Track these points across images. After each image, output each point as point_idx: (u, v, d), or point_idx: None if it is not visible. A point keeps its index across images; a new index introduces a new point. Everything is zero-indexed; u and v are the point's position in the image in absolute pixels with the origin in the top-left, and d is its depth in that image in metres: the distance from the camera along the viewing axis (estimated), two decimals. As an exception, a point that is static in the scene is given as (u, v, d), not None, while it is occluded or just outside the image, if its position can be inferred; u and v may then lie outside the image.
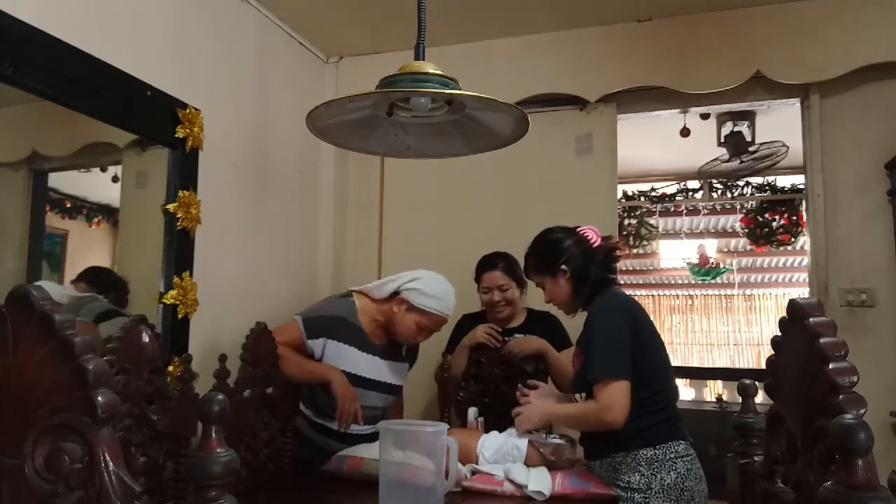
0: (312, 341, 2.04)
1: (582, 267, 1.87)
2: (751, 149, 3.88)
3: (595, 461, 1.78)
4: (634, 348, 1.72)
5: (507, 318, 2.43)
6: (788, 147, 3.78)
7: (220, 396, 0.86)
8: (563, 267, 1.88)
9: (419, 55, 1.42)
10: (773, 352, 1.12)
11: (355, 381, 2.03)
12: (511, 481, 1.71)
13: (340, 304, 2.12)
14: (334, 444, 2.04)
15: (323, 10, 2.67)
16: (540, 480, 1.69)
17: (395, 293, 2.05)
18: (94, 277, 1.97)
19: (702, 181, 4.73)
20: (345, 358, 2.03)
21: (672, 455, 1.70)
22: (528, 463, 1.81)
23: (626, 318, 1.75)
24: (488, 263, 2.43)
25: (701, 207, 5.26)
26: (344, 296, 2.17)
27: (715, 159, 4.12)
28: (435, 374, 2.38)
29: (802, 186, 3.38)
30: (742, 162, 3.97)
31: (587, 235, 1.91)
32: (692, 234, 6.10)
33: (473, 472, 1.79)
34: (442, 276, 2.12)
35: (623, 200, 4.96)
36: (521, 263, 2.12)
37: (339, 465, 1.84)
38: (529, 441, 1.86)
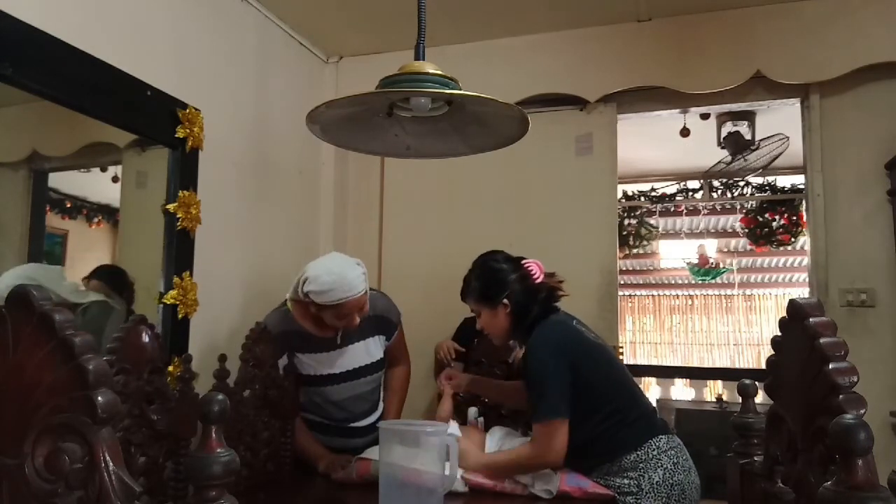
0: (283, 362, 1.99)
1: (523, 303, 1.84)
2: (752, 147, 3.88)
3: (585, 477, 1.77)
4: (576, 379, 1.71)
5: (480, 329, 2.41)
6: (789, 138, 3.77)
7: (220, 396, 0.86)
8: (505, 301, 1.85)
9: (419, 55, 1.42)
10: (773, 352, 1.12)
11: (331, 379, 2.02)
12: (515, 481, 1.71)
13: (277, 317, 2.04)
14: (336, 441, 2.07)
15: (323, 11, 2.67)
16: (546, 478, 1.69)
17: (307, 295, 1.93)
18: (108, 276, 1.97)
19: (702, 181, 4.73)
20: (308, 367, 2.01)
21: (655, 452, 1.70)
22: None
23: (561, 354, 1.74)
24: None
25: (701, 207, 5.27)
26: (279, 308, 2.09)
27: (719, 162, 4.12)
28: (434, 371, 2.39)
29: (802, 186, 3.38)
30: (745, 161, 3.97)
31: (531, 270, 1.89)
32: (692, 234, 6.11)
33: None
34: (331, 257, 2.00)
35: (623, 200, 4.96)
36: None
37: (349, 473, 1.84)
38: None
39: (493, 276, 1.89)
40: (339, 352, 2.03)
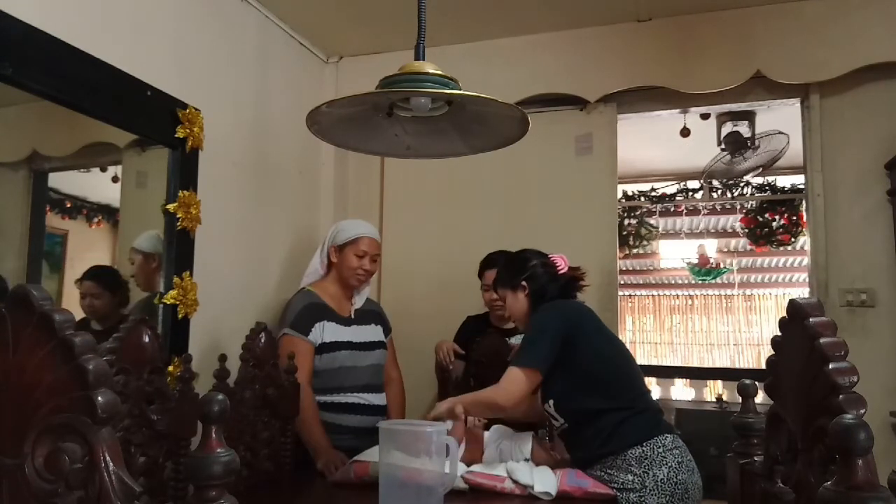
0: (312, 334, 2.17)
1: (541, 286, 1.96)
2: (750, 145, 3.88)
3: (587, 469, 1.76)
4: (585, 360, 1.79)
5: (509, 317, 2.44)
6: (787, 134, 3.77)
7: (220, 396, 0.86)
8: (523, 283, 1.97)
9: (419, 55, 1.42)
10: (773, 352, 1.12)
11: (349, 346, 2.23)
12: (515, 481, 1.71)
13: (301, 297, 2.27)
14: (345, 419, 2.17)
15: (323, 10, 2.67)
16: (545, 480, 1.69)
17: (327, 254, 2.31)
18: (100, 276, 1.97)
19: (702, 182, 4.73)
20: (329, 331, 2.21)
21: (661, 449, 1.70)
22: (534, 461, 1.81)
23: (562, 317, 1.85)
24: (489, 261, 2.47)
25: (701, 207, 5.26)
26: (298, 291, 2.32)
27: (715, 158, 4.11)
28: (434, 371, 2.39)
29: (802, 186, 3.38)
30: (745, 159, 3.97)
31: (556, 262, 2.01)
32: (692, 234, 6.10)
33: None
34: None
35: (623, 200, 4.96)
36: None
37: (346, 474, 1.83)
38: (534, 436, 1.88)
39: (515, 262, 2.04)
40: (353, 327, 2.29)
